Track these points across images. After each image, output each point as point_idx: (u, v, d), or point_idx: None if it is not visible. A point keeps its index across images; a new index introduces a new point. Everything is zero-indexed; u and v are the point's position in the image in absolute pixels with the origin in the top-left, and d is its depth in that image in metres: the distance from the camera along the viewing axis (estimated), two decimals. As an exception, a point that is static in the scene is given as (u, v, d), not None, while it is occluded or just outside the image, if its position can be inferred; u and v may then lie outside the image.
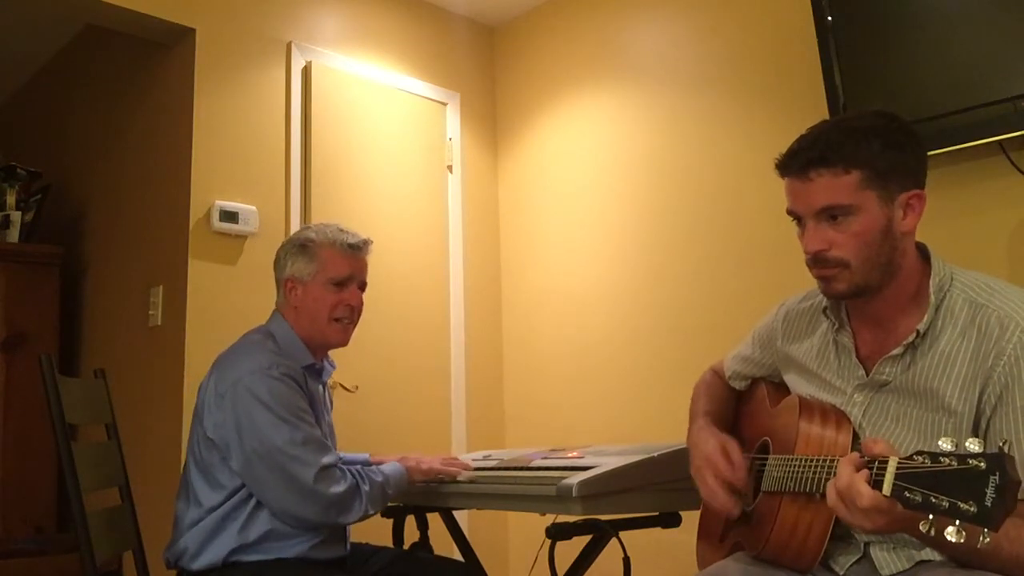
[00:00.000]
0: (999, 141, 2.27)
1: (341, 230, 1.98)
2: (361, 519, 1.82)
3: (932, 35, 2.37)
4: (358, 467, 1.86)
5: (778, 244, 2.70)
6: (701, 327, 3.01)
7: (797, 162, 1.31)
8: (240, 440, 1.74)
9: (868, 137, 1.28)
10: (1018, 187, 2.31)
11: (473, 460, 2.23)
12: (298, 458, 1.73)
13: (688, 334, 3.05)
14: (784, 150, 1.35)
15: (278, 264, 1.98)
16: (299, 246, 1.95)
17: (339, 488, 1.75)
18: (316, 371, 1.95)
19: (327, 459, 1.76)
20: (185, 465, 1.87)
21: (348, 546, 1.94)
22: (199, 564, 1.75)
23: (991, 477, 0.90)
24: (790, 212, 1.36)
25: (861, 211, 1.27)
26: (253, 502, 1.76)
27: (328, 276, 1.92)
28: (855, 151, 1.27)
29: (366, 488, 1.81)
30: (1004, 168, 2.32)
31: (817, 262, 1.32)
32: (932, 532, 0.94)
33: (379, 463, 1.96)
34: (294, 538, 1.78)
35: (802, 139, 1.33)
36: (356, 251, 1.97)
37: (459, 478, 1.97)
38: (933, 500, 0.93)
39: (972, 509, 0.91)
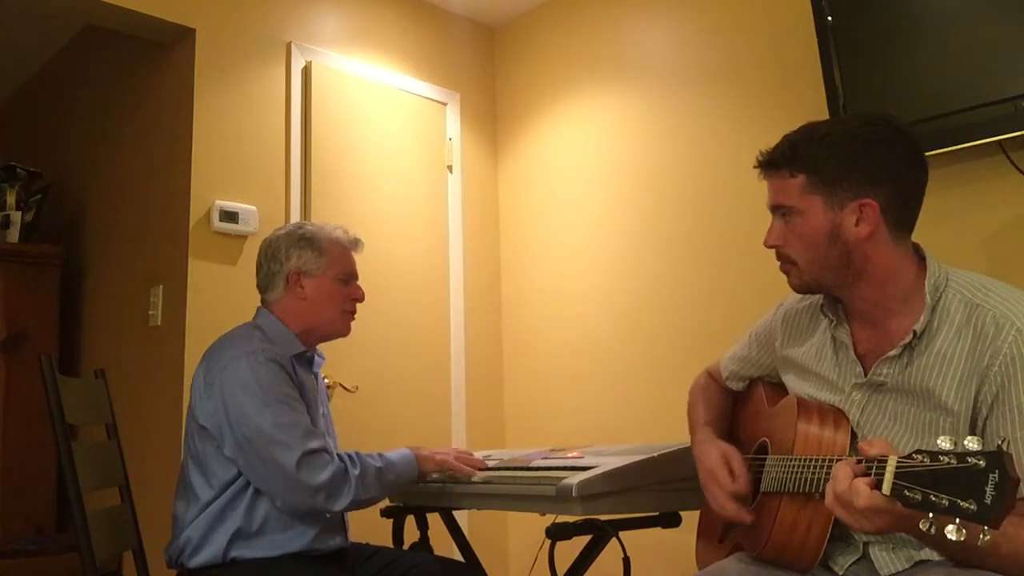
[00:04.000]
0: (999, 141, 2.27)
1: (336, 227, 2.04)
2: (355, 506, 1.80)
3: (932, 35, 2.37)
4: (353, 452, 1.85)
5: (778, 244, 2.70)
6: (702, 327, 3.01)
7: (760, 162, 1.40)
8: (230, 426, 1.76)
9: (825, 144, 1.33)
10: (1018, 187, 2.31)
11: (475, 459, 2.23)
12: (281, 442, 1.73)
13: (688, 334, 3.05)
14: None
15: (276, 257, 1.96)
16: (304, 239, 1.97)
17: (324, 474, 1.74)
18: (306, 360, 1.96)
19: (312, 444, 1.75)
20: (182, 464, 1.88)
21: (347, 537, 1.94)
22: (201, 559, 1.76)
23: (990, 475, 0.91)
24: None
25: (805, 214, 1.34)
26: (251, 490, 1.77)
27: (338, 271, 1.98)
28: (805, 156, 1.34)
29: (356, 472, 1.79)
30: (1004, 168, 2.32)
31: (777, 256, 1.41)
32: (932, 530, 0.94)
33: None
34: (294, 528, 1.78)
35: (780, 140, 1.39)
36: (356, 248, 2.05)
37: (473, 478, 1.93)
38: (933, 499, 0.93)
39: (972, 507, 0.91)
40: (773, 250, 1.42)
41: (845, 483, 1.04)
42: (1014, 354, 1.21)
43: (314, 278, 1.95)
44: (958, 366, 1.25)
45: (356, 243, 2.05)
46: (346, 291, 1.99)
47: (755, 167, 1.41)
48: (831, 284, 1.37)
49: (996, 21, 2.26)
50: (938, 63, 2.35)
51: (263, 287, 2.00)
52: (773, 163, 1.38)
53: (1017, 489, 0.91)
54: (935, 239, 1.45)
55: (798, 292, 1.44)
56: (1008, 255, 2.33)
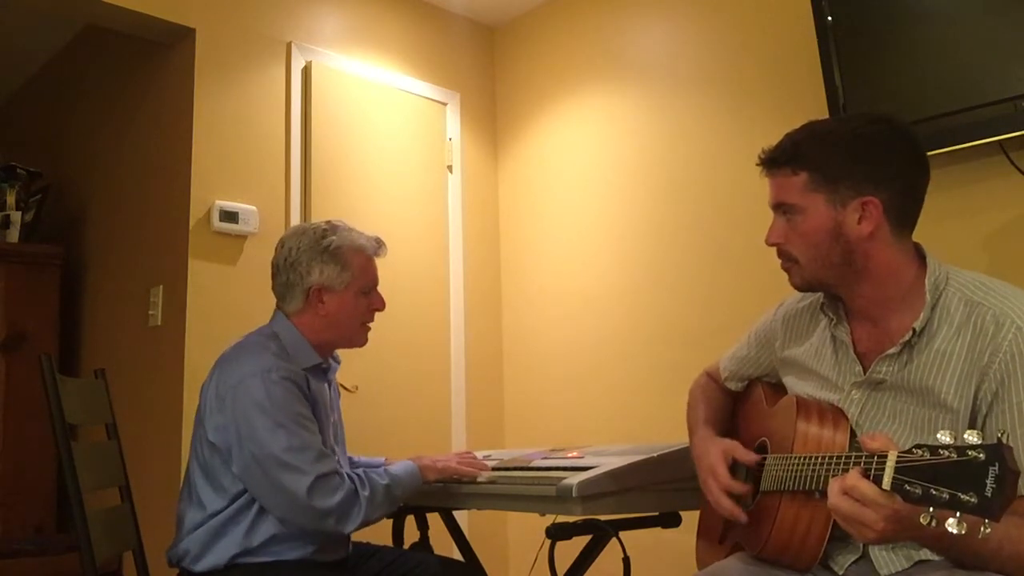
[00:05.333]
0: (999, 141, 2.27)
1: (360, 232, 1.96)
2: (363, 526, 1.78)
3: (932, 35, 2.37)
4: (361, 470, 1.83)
5: (778, 244, 2.70)
6: (701, 327, 3.01)
7: (762, 160, 1.40)
8: (239, 444, 1.72)
9: (827, 142, 1.34)
10: (1018, 187, 2.31)
11: (476, 459, 2.23)
12: (292, 466, 1.69)
13: (688, 334, 3.05)
14: None
15: (296, 268, 1.88)
16: (328, 252, 1.88)
17: (334, 499, 1.71)
18: (322, 371, 1.93)
19: (323, 467, 1.72)
20: (188, 466, 1.86)
21: (350, 547, 1.94)
22: (201, 567, 1.75)
23: (990, 468, 0.91)
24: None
25: (808, 212, 1.35)
26: (256, 507, 1.75)
27: (361, 285, 1.92)
28: (807, 154, 1.35)
29: (366, 494, 1.76)
30: (1004, 168, 2.32)
31: (778, 255, 1.42)
32: (933, 524, 0.94)
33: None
34: (297, 540, 1.77)
35: (782, 139, 1.40)
36: (379, 253, 1.98)
37: (478, 479, 1.92)
38: (933, 492, 0.93)
39: (972, 500, 0.91)
40: (774, 249, 1.42)
41: (838, 495, 1.05)
42: (1014, 352, 1.21)
43: (336, 293, 1.88)
44: (958, 364, 1.25)
45: (380, 248, 1.98)
46: (367, 302, 1.94)
47: (757, 165, 1.41)
48: (832, 282, 1.38)
49: (996, 21, 2.26)
50: (938, 63, 2.35)
51: (280, 295, 1.92)
52: (775, 161, 1.38)
53: (1017, 481, 0.91)
54: (935, 239, 1.45)
55: (799, 290, 1.44)
56: (1008, 255, 2.33)
